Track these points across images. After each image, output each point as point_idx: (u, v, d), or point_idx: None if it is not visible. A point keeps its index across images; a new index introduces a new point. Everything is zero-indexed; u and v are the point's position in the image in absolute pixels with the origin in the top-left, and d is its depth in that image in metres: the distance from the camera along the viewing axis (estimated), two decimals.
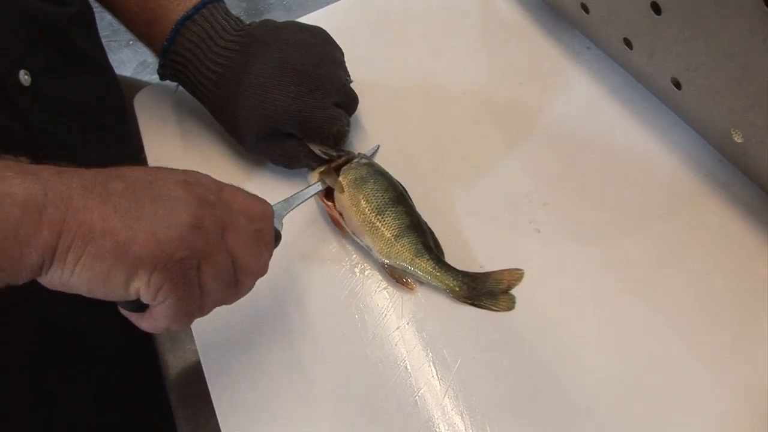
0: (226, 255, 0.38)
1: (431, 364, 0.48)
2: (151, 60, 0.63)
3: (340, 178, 0.54)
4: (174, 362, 0.57)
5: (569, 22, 0.66)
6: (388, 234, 0.51)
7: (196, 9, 0.56)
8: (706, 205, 0.53)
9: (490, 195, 0.56)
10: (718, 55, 0.47)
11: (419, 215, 0.53)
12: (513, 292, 0.50)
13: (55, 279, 0.34)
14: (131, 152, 0.66)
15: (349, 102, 0.57)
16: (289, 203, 0.51)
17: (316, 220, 0.57)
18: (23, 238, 0.32)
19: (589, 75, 0.62)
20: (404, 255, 0.50)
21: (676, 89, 0.54)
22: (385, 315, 0.50)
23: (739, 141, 0.50)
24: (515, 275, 0.50)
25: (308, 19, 0.70)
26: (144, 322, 0.38)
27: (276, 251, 0.55)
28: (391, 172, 0.56)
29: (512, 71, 0.64)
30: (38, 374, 0.52)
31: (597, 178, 0.56)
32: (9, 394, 0.50)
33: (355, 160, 0.55)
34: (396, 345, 0.49)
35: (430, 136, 0.61)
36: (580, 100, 0.61)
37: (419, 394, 0.46)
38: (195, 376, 0.52)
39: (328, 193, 0.55)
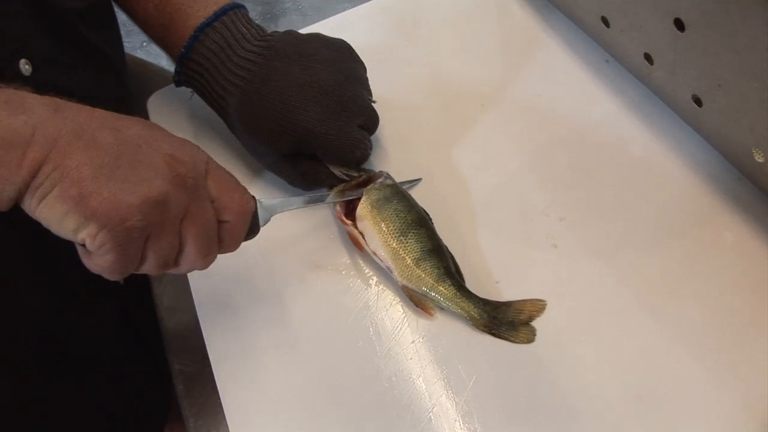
0: (175, 239, 0.40)
1: (446, 380, 0.47)
2: (165, 63, 0.62)
3: (363, 198, 0.53)
4: (183, 368, 0.56)
5: (588, 35, 0.65)
6: (409, 257, 0.50)
7: (217, 16, 0.54)
8: (723, 222, 0.52)
9: (507, 209, 0.55)
10: (743, 73, 0.46)
11: (440, 239, 0.52)
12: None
13: (24, 207, 0.36)
14: None
15: (371, 123, 0.56)
16: (287, 202, 0.50)
17: (330, 231, 0.56)
18: (4, 176, 0.34)
19: (607, 89, 0.62)
20: (425, 280, 0.49)
21: (696, 106, 0.53)
22: (400, 329, 0.50)
23: (761, 160, 0.50)
24: (537, 306, 0.49)
25: (324, 25, 0.70)
26: (84, 260, 0.39)
27: (291, 261, 0.55)
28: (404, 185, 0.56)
29: (529, 83, 0.64)
30: (37, 382, 0.51)
31: (614, 193, 0.55)
32: (5, 399, 0.50)
33: (380, 181, 0.54)
34: (410, 360, 0.48)
35: (445, 147, 0.60)
36: (598, 114, 0.60)
37: (433, 411, 0.46)
38: (204, 384, 0.52)
39: (347, 212, 0.54)
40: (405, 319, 0.50)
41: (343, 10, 0.73)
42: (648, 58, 0.56)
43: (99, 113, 0.38)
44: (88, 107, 0.38)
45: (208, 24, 0.54)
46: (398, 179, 0.56)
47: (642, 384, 0.46)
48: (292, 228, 0.56)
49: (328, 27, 0.65)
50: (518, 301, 0.50)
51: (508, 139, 0.60)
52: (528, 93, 0.63)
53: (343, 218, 0.53)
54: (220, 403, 0.49)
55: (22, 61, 0.49)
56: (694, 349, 0.46)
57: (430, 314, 0.50)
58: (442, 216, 0.54)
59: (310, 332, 0.51)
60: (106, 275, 0.39)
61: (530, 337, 0.48)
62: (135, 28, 0.62)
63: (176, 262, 0.41)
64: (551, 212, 0.55)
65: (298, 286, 0.54)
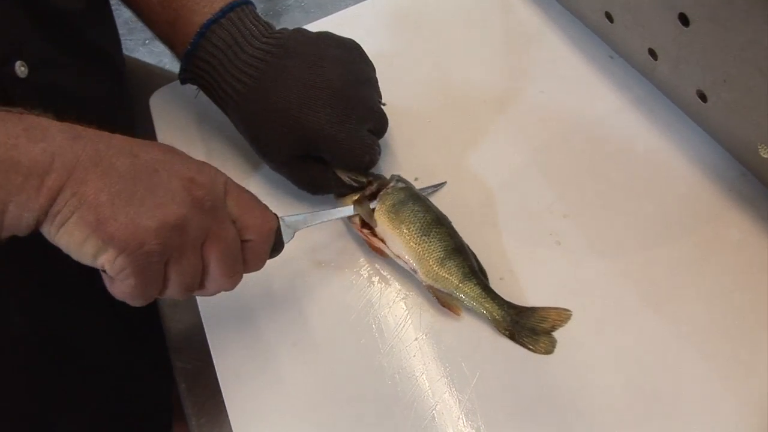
0: (197, 261, 0.40)
1: (449, 377, 0.47)
2: (168, 60, 0.62)
3: (378, 205, 0.52)
4: (185, 365, 0.56)
5: (592, 31, 0.65)
6: (433, 258, 0.49)
7: (224, 12, 0.52)
8: (728, 219, 0.52)
9: (510, 206, 0.55)
10: (748, 68, 0.46)
11: (461, 237, 0.51)
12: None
13: (44, 233, 0.37)
14: None
15: (380, 127, 0.55)
16: (311, 218, 0.49)
17: (333, 228, 0.56)
18: (23, 202, 0.35)
19: (611, 84, 0.62)
20: (450, 279, 0.49)
21: (701, 102, 0.53)
22: (403, 326, 0.50)
23: (766, 156, 0.49)
24: (562, 316, 0.48)
25: (327, 22, 0.70)
26: (107, 286, 0.39)
27: (294, 258, 0.54)
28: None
29: (533, 80, 0.63)
30: (38, 382, 0.51)
31: (618, 190, 0.55)
32: (8, 400, 0.50)
33: (392, 185, 0.53)
34: (414, 357, 0.48)
35: (447, 145, 0.60)
36: (602, 109, 0.60)
37: (436, 408, 0.46)
38: (207, 382, 0.52)
39: (363, 222, 0.53)
40: (408, 316, 0.50)
41: (345, 7, 0.72)
42: (652, 53, 0.56)
43: (117, 139, 0.38)
44: (107, 133, 0.38)
45: (215, 21, 0.53)
46: (415, 183, 0.56)
47: (646, 381, 0.45)
48: None
49: (330, 25, 0.64)
50: (543, 308, 0.49)
51: (511, 137, 0.60)
52: (531, 90, 0.63)
53: (362, 230, 0.52)
54: (223, 402, 0.49)
55: (18, 63, 0.49)
56: (699, 346, 0.46)
57: (457, 314, 0.49)
58: (445, 212, 0.54)
59: (312, 330, 0.51)
60: (129, 301, 0.39)
61: (549, 348, 0.47)
62: (137, 26, 0.61)
63: (202, 285, 0.41)
64: (555, 209, 0.54)
65: (301, 283, 0.53)
